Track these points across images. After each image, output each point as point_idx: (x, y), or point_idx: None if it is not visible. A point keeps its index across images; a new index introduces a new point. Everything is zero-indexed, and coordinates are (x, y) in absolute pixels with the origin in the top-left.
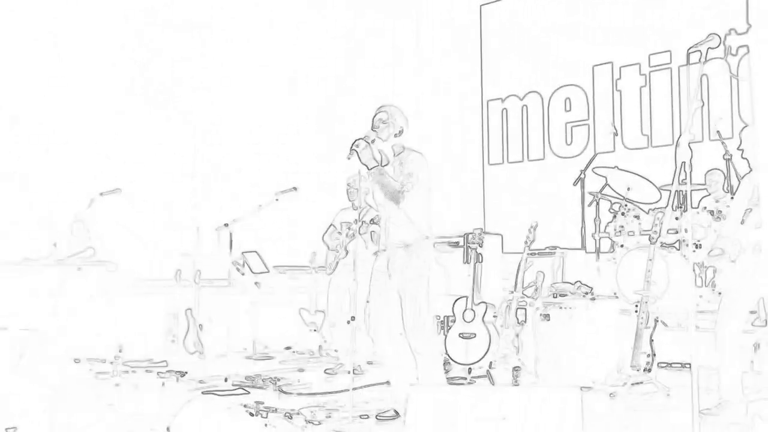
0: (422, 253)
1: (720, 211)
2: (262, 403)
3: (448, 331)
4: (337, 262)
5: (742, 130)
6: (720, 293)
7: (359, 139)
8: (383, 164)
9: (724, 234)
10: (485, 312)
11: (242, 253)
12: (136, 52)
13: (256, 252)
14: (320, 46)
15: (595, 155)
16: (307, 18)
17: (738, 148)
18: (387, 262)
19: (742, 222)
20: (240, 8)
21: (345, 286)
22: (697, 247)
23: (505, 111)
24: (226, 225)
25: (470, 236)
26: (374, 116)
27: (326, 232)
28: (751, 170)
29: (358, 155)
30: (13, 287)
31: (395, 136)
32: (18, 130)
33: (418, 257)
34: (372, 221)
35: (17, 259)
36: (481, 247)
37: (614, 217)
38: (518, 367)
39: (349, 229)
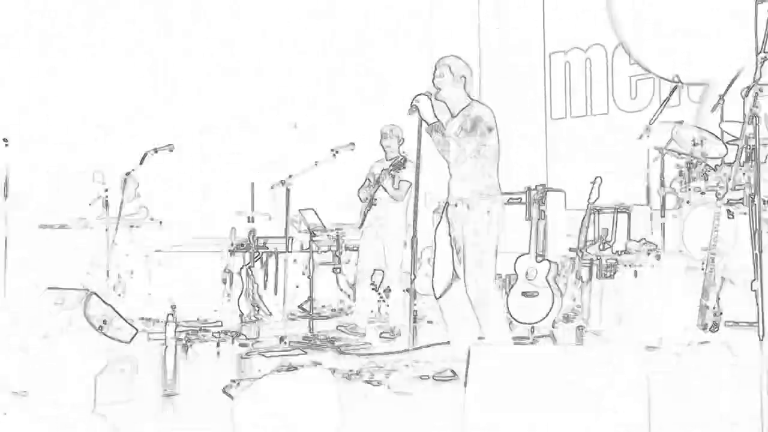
0: (483, 209)
1: None
2: (320, 363)
3: (510, 290)
4: (365, 215)
5: None
6: None
7: (420, 94)
8: (453, 116)
9: None
10: (548, 270)
11: (299, 210)
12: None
13: (312, 209)
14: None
15: (663, 106)
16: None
17: None
18: (450, 217)
19: None
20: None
21: (374, 240)
22: (765, 203)
23: (568, 64)
24: (282, 182)
25: (533, 192)
26: (434, 70)
27: (362, 186)
28: None
29: (418, 110)
30: (64, 246)
31: (458, 86)
32: (66, 85)
33: (478, 212)
34: (390, 168)
35: (69, 217)
36: (543, 203)
37: (680, 172)
38: (582, 326)
39: (376, 179)
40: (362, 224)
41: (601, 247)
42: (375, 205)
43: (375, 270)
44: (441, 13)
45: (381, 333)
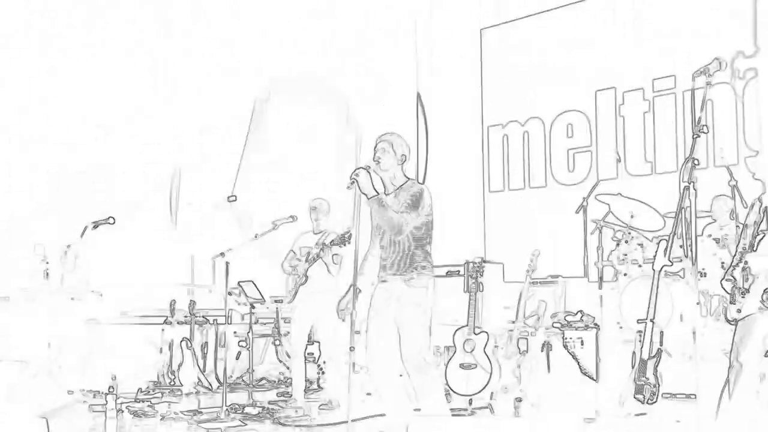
0: (421, 284)
1: (726, 238)
2: None
3: (448, 362)
4: (297, 290)
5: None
6: (734, 321)
7: (359, 168)
8: (386, 193)
9: (735, 261)
10: (486, 342)
11: (238, 282)
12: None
13: (252, 281)
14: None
15: (598, 182)
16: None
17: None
18: (386, 292)
19: (754, 248)
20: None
21: (307, 315)
22: (701, 276)
23: (506, 137)
24: (222, 254)
25: (471, 265)
26: (375, 145)
27: (285, 258)
28: (763, 193)
29: (357, 184)
30: (7, 318)
31: (398, 164)
32: (10, 156)
33: (416, 287)
34: (332, 243)
35: (11, 289)
36: (481, 276)
37: (617, 245)
38: (520, 397)
39: (308, 254)
40: (293, 298)
41: (538, 319)
42: (309, 278)
43: (312, 341)
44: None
45: (320, 405)
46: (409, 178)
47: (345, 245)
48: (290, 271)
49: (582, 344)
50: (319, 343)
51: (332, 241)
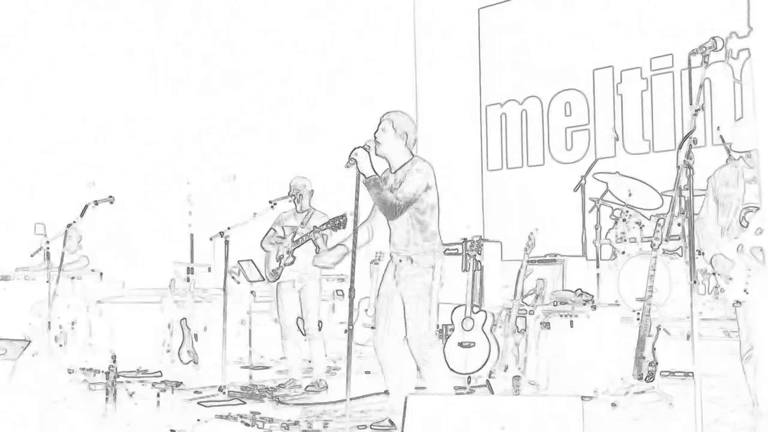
0: (425, 263)
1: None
2: (259, 413)
3: (446, 340)
4: (283, 269)
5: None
6: (736, 300)
7: (358, 147)
8: (392, 172)
9: (705, 234)
10: (485, 320)
11: (238, 261)
12: (133, 57)
13: (251, 260)
14: (316, 51)
15: (596, 161)
16: (304, 23)
17: (729, 147)
18: (392, 271)
19: (746, 225)
20: (237, 21)
21: (291, 293)
22: (700, 254)
23: (504, 116)
24: (221, 233)
25: (469, 244)
26: (378, 124)
27: (265, 236)
28: (729, 158)
29: (356, 163)
30: (6, 297)
31: (398, 142)
32: (11, 135)
33: (420, 267)
34: (325, 227)
35: (10, 268)
36: (479, 254)
37: (615, 223)
38: (518, 376)
39: (294, 233)
40: (278, 277)
41: (537, 297)
42: (296, 259)
43: (297, 318)
44: (378, 65)
45: (307, 386)
46: (415, 156)
47: (338, 230)
48: (271, 249)
49: (572, 325)
50: (302, 318)
51: (324, 224)
